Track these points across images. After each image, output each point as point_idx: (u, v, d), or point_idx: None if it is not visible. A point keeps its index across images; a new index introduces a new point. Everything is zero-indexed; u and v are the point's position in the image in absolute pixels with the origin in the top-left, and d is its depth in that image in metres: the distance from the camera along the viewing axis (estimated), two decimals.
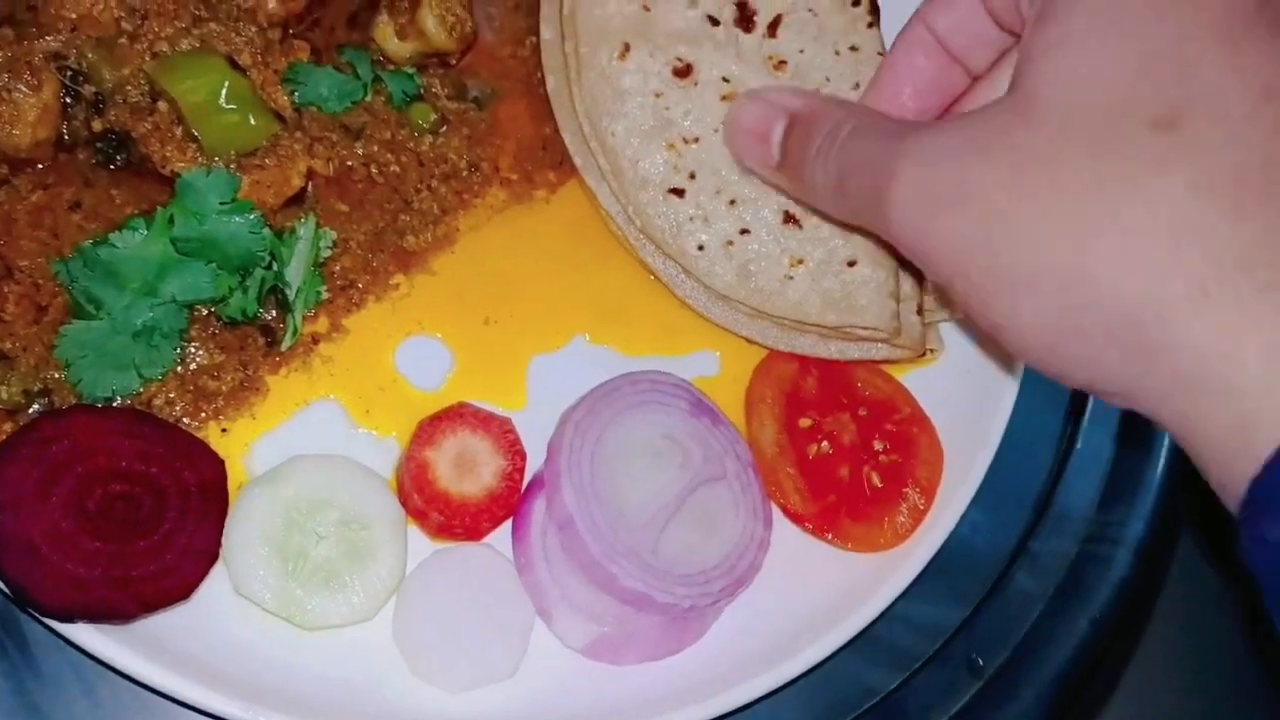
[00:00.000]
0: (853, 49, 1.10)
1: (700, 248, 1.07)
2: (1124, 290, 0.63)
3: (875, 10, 1.11)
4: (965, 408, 1.14)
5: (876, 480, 1.10)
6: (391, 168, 1.10)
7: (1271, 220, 0.61)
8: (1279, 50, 0.65)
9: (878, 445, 1.11)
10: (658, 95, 1.08)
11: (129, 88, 1.01)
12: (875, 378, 1.13)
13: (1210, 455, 0.64)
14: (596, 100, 1.08)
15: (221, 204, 0.99)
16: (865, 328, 1.06)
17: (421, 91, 1.13)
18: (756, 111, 0.93)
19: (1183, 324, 0.62)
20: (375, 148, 1.10)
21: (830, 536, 1.08)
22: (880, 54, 1.09)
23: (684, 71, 1.08)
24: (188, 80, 0.99)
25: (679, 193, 1.07)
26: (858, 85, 1.08)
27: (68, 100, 1.01)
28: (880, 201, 0.75)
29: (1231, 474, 0.62)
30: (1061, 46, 0.69)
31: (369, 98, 1.11)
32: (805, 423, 1.10)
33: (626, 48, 1.08)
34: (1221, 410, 0.62)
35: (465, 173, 1.13)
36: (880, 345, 1.10)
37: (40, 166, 1.02)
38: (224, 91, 1.00)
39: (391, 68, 1.12)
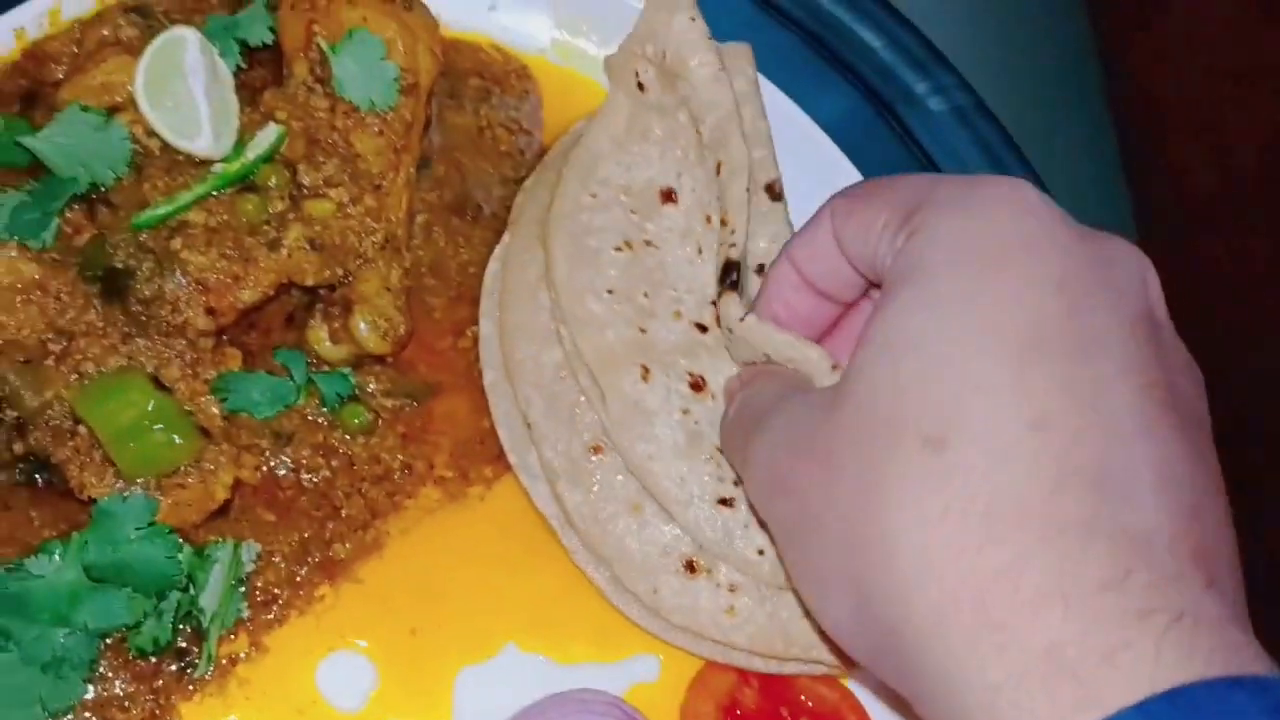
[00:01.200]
0: None
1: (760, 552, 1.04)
2: (887, 602, 0.66)
3: None
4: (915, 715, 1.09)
5: None
6: (322, 473, 1.09)
7: (1013, 556, 0.62)
8: (1068, 376, 0.65)
9: None
10: (685, 412, 1.06)
11: (50, 411, 1.00)
12: (819, 685, 1.09)
13: None
14: (626, 426, 1.06)
15: (137, 529, 0.98)
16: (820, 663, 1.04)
17: (356, 392, 1.12)
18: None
19: (932, 640, 0.63)
20: (306, 452, 1.09)
21: None
22: None
23: (699, 385, 1.07)
24: (107, 405, 0.99)
25: (728, 503, 1.05)
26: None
27: None
28: (743, 472, 0.84)
29: None
30: (874, 341, 0.71)
31: (302, 400, 1.10)
32: None
33: (646, 370, 1.07)
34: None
35: (398, 474, 1.11)
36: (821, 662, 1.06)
37: None
38: (146, 415, 1.00)
39: (326, 368, 1.12)
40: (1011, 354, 0.66)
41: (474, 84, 1.28)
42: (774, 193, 1.16)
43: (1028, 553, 0.62)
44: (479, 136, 1.25)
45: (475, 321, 1.17)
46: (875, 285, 0.86)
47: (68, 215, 1.06)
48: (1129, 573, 0.61)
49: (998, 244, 0.70)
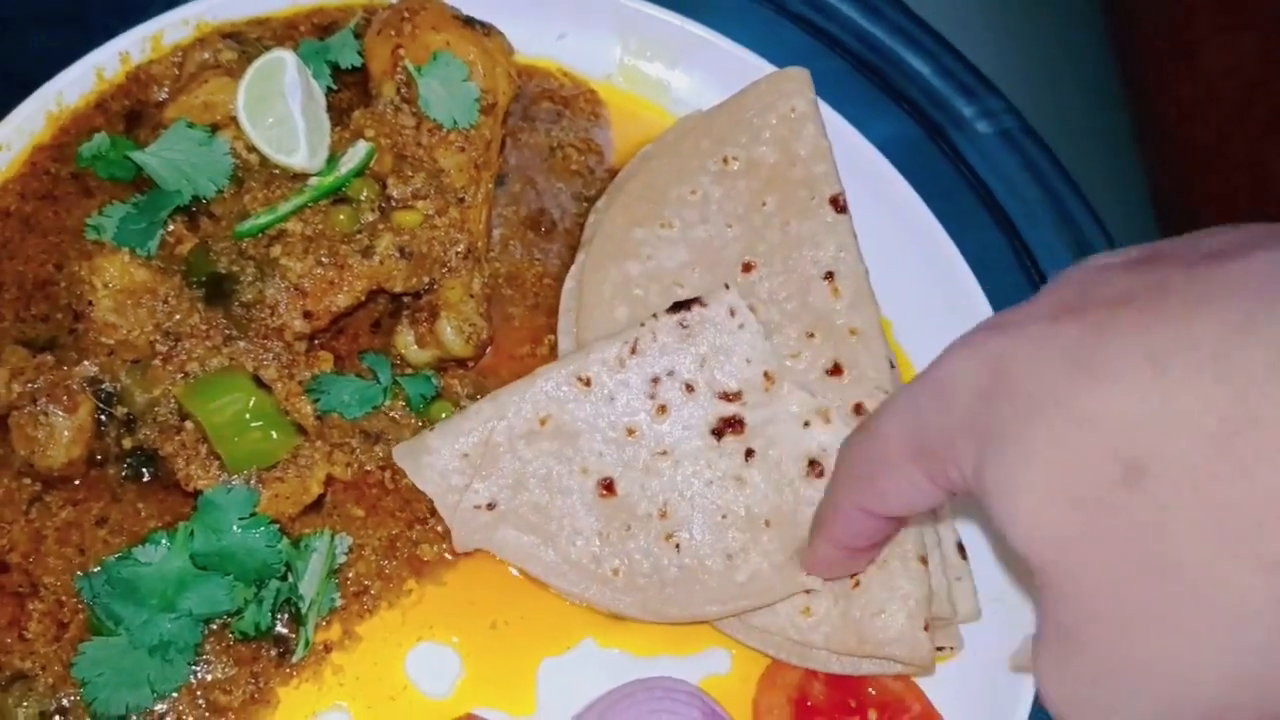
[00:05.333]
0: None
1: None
2: None
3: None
4: (980, 706, 1.13)
5: None
6: (406, 479, 1.13)
7: None
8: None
9: None
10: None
11: (158, 408, 1.06)
12: (884, 677, 1.12)
13: None
14: None
15: (240, 519, 1.03)
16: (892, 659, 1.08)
17: (440, 392, 1.17)
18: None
19: None
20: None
21: None
22: None
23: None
24: (212, 402, 1.05)
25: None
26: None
27: (102, 419, 1.06)
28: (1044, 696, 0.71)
29: None
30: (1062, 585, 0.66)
31: (388, 402, 1.15)
32: None
33: None
34: None
35: None
36: (894, 659, 1.10)
37: (73, 483, 1.07)
38: (248, 411, 1.05)
39: (410, 371, 1.17)
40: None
41: (545, 107, 1.34)
42: (839, 206, 1.21)
43: None
44: (551, 155, 1.32)
45: (552, 331, 1.23)
46: None
47: (171, 226, 1.12)
48: None
49: None
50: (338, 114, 1.21)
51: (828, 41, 1.48)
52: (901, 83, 1.48)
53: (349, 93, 1.25)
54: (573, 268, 1.24)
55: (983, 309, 1.24)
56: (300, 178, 1.13)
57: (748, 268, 1.20)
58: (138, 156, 1.12)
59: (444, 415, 1.16)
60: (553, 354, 1.22)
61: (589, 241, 1.24)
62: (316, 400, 1.12)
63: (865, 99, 1.43)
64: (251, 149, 1.13)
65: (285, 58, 1.14)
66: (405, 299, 1.17)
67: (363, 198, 1.14)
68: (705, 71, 1.33)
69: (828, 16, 1.50)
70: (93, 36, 1.24)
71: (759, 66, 1.31)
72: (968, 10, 1.96)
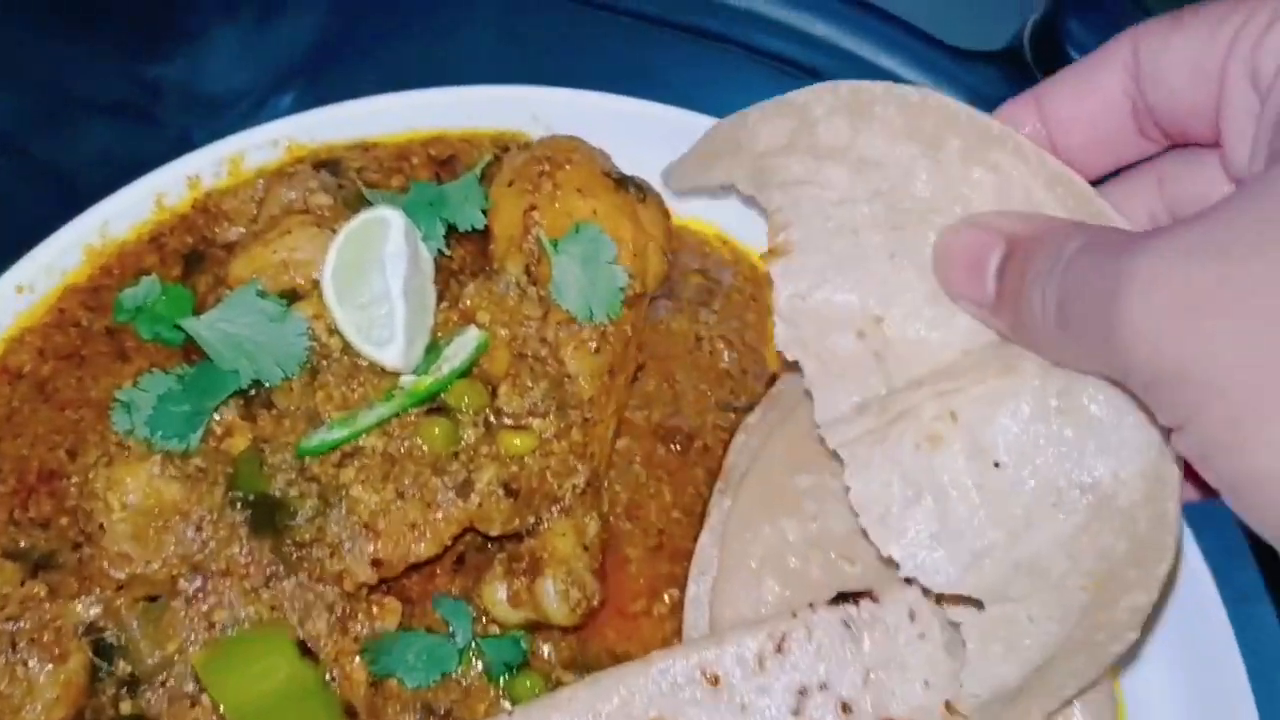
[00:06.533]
0: None
1: None
2: None
3: None
4: None
5: None
6: None
7: None
8: None
9: None
10: None
11: (170, 669, 0.82)
12: None
13: None
14: None
15: None
16: None
17: (528, 658, 0.92)
18: (969, 239, 0.80)
19: None
20: None
21: None
22: None
23: None
24: (237, 674, 0.80)
25: None
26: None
27: (98, 673, 0.82)
28: (1108, 320, 0.63)
29: None
30: None
31: (462, 667, 0.90)
32: None
33: None
34: None
35: None
36: None
37: None
38: (282, 688, 0.81)
39: (495, 631, 0.92)
40: None
41: (695, 282, 1.09)
42: None
43: None
44: (696, 348, 1.06)
45: (676, 584, 0.98)
46: (1169, 142, 0.79)
47: (220, 415, 0.88)
48: None
49: None
50: (445, 275, 0.97)
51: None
52: None
53: (463, 249, 1.00)
54: (712, 513, 0.98)
55: None
56: (391, 374, 0.89)
57: None
58: (190, 326, 0.88)
59: (531, 690, 0.90)
60: (674, 615, 0.97)
61: (736, 479, 0.98)
62: (372, 662, 0.87)
63: None
64: (334, 331, 0.89)
65: (390, 219, 0.90)
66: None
67: (464, 407, 0.89)
68: None
69: None
70: (159, 139, 1.01)
71: None
72: None
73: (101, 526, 0.81)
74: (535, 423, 0.90)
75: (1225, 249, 0.60)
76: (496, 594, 0.91)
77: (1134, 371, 0.63)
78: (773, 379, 1.05)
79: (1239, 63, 0.70)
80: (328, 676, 0.84)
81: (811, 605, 0.89)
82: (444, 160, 1.05)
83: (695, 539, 0.99)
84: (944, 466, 0.82)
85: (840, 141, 0.88)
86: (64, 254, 0.93)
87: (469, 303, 0.93)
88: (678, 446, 1.03)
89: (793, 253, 0.88)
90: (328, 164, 1.01)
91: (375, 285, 0.88)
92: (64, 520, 0.86)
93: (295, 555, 0.85)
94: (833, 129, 0.88)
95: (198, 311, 0.93)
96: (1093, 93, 0.79)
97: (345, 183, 1.00)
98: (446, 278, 0.97)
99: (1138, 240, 0.64)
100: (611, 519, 0.98)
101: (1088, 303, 0.67)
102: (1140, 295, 0.61)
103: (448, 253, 0.96)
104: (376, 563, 0.85)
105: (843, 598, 0.90)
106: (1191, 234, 0.62)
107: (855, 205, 0.87)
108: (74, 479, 0.87)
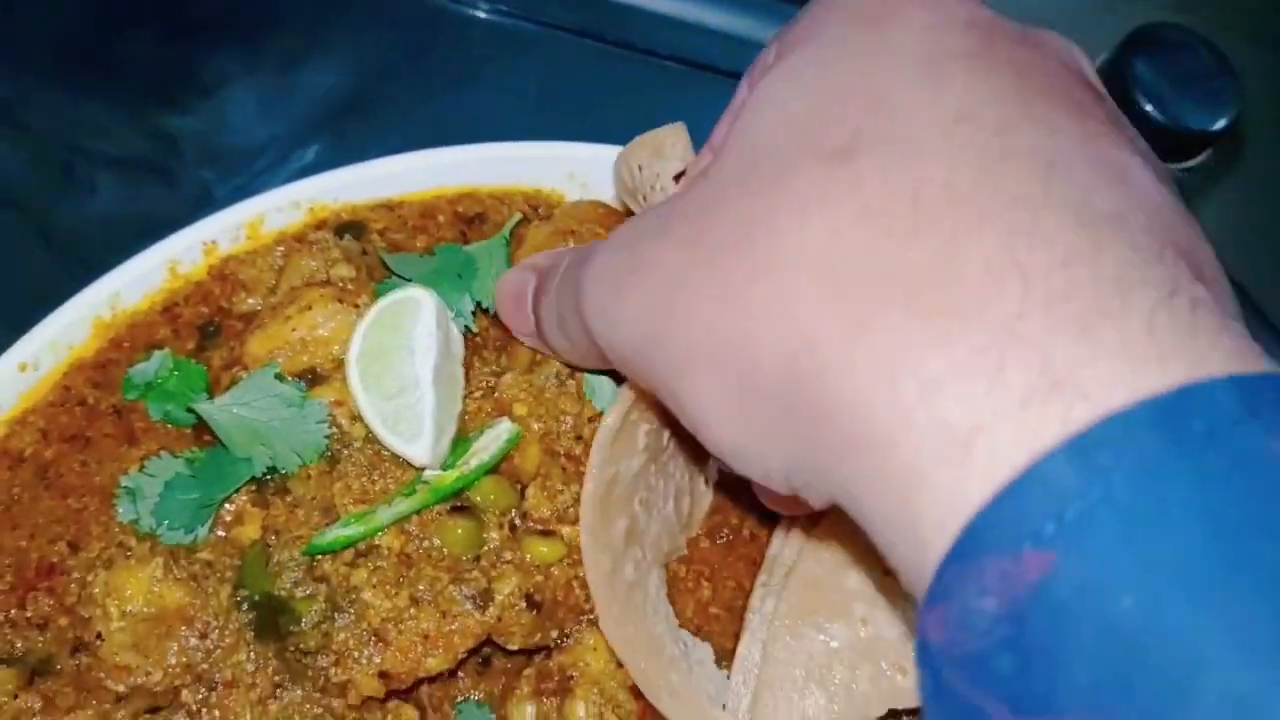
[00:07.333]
0: None
1: None
2: (781, 343, 0.53)
3: None
4: None
5: None
6: None
7: (946, 238, 0.50)
8: (986, 88, 0.55)
9: None
10: None
11: None
12: None
13: (889, 542, 0.51)
14: None
15: None
16: None
17: None
18: (514, 278, 0.84)
19: (839, 370, 0.51)
20: None
21: None
22: None
23: None
24: None
25: None
26: None
27: None
28: (578, 309, 0.68)
29: (911, 565, 0.49)
30: (758, 97, 0.61)
31: None
32: None
33: None
34: (885, 476, 0.49)
35: None
36: None
37: None
38: None
39: None
40: (922, 69, 0.56)
41: None
42: None
43: (966, 231, 0.50)
44: None
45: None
46: None
47: (233, 503, 0.82)
48: (1099, 248, 0.49)
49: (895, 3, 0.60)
50: (469, 352, 0.90)
51: None
52: None
53: (485, 318, 0.93)
54: (752, 618, 0.91)
55: None
56: (415, 468, 0.83)
57: None
58: (204, 410, 0.82)
59: None
60: None
61: (780, 575, 0.92)
62: None
63: None
64: (356, 418, 0.83)
65: (422, 301, 0.84)
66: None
67: (490, 505, 0.83)
68: None
69: None
70: (178, 193, 0.95)
71: None
72: None
73: (100, 636, 0.76)
74: (565, 531, 0.84)
75: (651, 224, 0.63)
76: (526, 716, 0.84)
77: (612, 357, 0.66)
78: None
79: None
80: None
81: None
82: (471, 218, 0.99)
83: (736, 635, 0.92)
84: None
85: None
86: (71, 329, 0.87)
87: (506, 394, 0.87)
88: (725, 536, 0.96)
89: None
90: (351, 227, 0.95)
91: (403, 373, 0.82)
92: (63, 621, 0.80)
93: (299, 664, 0.79)
94: None
95: (211, 388, 0.87)
96: None
97: (369, 248, 0.94)
98: (470, 354, 0.91)
99: (598, 243, 0.69)
100: None
101: (568, 306, 0.72)
102: (589, 280, 0.66)
103: (474, 329, 0.90)
104: (384, 675, 0.79)
105: (895, 716, 0.84)
106: (635, 219, 0.67)
107: None
108: (75, 574, 0.81)
